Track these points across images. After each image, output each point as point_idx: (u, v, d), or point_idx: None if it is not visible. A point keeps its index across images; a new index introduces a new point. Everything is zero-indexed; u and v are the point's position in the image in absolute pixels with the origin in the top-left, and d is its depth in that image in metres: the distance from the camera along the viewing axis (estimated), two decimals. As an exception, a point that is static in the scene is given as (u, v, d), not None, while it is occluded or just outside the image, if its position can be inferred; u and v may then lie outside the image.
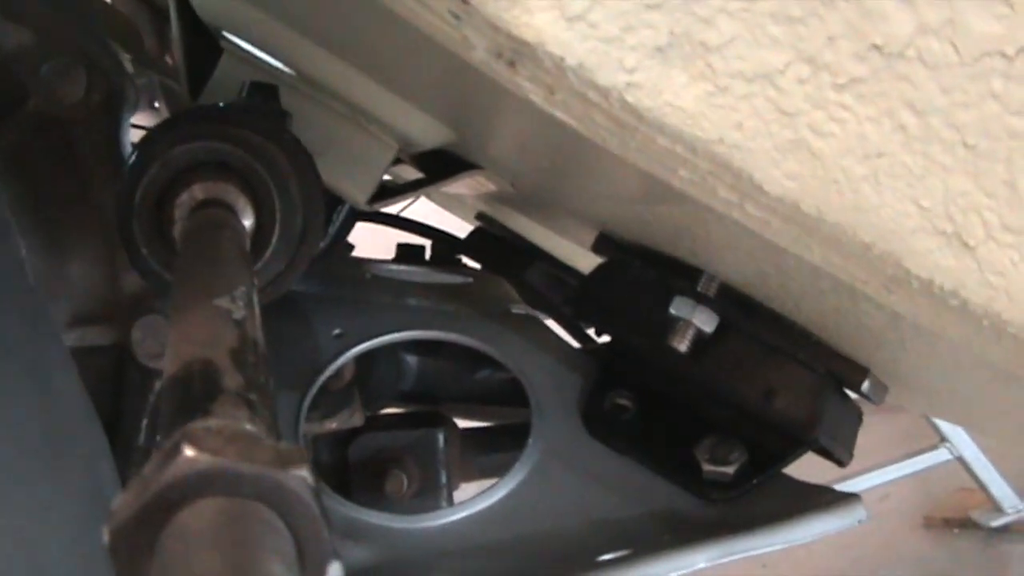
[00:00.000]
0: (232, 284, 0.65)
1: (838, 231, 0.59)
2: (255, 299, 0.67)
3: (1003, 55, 0.56)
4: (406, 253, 1.57)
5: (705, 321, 1.02)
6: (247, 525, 0.40)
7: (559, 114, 0.60)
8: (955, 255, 0.59)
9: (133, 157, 0.92)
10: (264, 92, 1.05)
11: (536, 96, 0.59)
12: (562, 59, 0.55)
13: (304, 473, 0.42)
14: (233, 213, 0.87)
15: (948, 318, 0.62)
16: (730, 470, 1.10)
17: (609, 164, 0.74)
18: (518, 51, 0.56)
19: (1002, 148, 0.57)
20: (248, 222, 0.89)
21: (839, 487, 1.11)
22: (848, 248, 0.60)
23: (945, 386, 1.00)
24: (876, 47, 0.56)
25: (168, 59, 1.80)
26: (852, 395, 1.07)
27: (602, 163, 0.77)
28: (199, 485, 0.41)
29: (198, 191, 0.88)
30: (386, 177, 1.49)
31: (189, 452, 0.42)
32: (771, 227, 0.61)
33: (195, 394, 0.50)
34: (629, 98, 0.56)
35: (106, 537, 0.41)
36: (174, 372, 0.53)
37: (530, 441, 1.15)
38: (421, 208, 1.88)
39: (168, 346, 0.58)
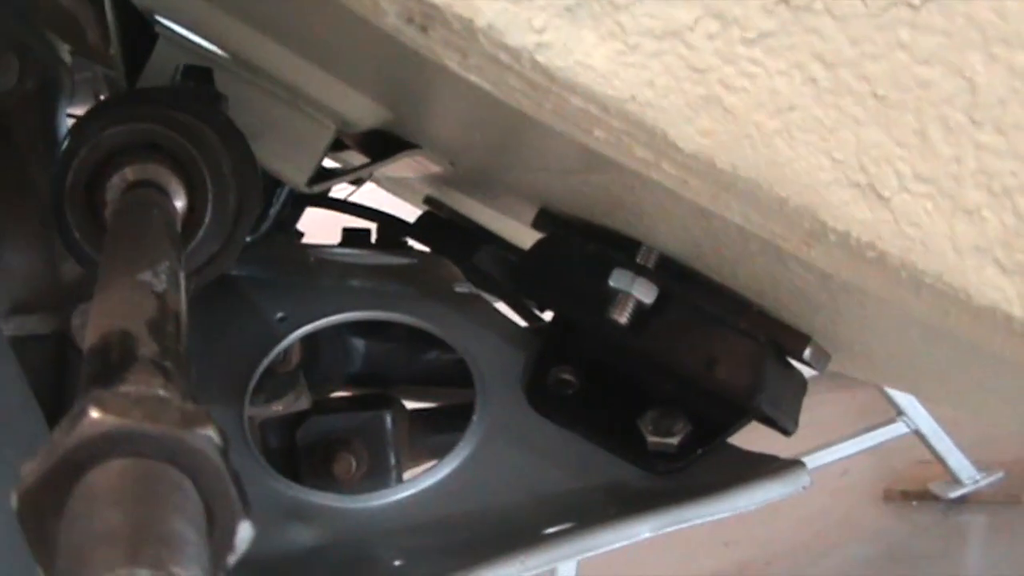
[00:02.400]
0: (155, 259, 0.65)
1: (753, 186, 0.59)
2: (180, 274, 0.66)
3: (909, 5, 0.56)
4: (352, 237, 1.56)
5: (644, 292, 1.03)
6: (152, 484, 0.40)
7: (474, 78, 0.60)
8: (870, 207, 0.59)
9: (65, 142, 0.91)
10: (198, 75, 1.05)
11: (451, 61, 0.59)
12: (471, 20, 0.55)
13: (210, 432, 0.42)
14: (164, 194, 0.87)
15: (867, 271, 0.62)
16: (674, 441, 1.11)
17: (537, 133, 0.74)
18: (428, 15, 0.56)
19: (911, 98, 0.58)
20: (180, 203, 0.89)
21: (798, 462, 1.11)
22: (765, 204, 0.60)
23: (883, 350, 1.01)
24: (784, 0, 0.56)
25: (112, 51, 1.79)
26: (797, 365, 1.08)
27: (531, 132, 0.77)
28: (105, 446, 0.41)
29: (129, 173, 0.88)
30: (334, 164, 1.49)
31: (95, 414, 0.41)
32: (689, 186, 0.61)
33: (111, 363, 0.50)
34: (540, 58, 0.56)
35: (14, 502, 0.41)
36: (92, 344, 0.53)
37: (474, 418, 1.15)
38: (374, 197, 1.88)
39: (89, 321, 0.58)
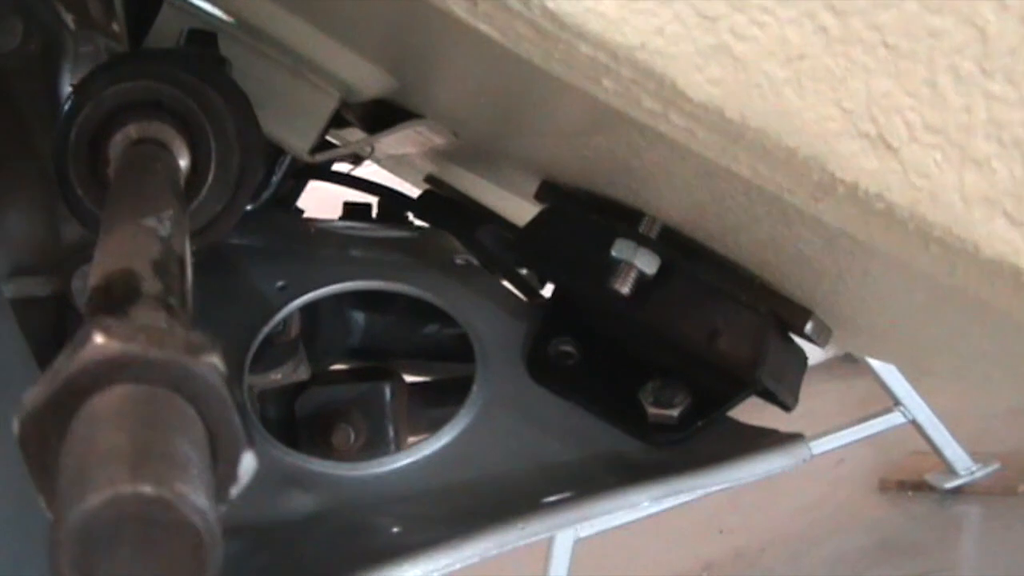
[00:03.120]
0: (160, 208, 0.65)
1: (763, 136, 0.59)
2: (185, 223, 0.66)
3: (922, -47, 0.56)
4: (353, 210, 1.56)
5: (647, 263, 1.02)
6: (156, 409, 0.40)
7: (483, 27, 0.59)
8: (879, 157, 0.59)
9: (69, 99, 0.91)
10: (203, 39, 1.05)
11: (459, 8, 0.59)
12: (481, -35, 0.55)
13: (215, 360, 0.42)
14: (168, 151, 0.87)
15: (875, 224, 0.62)
16: (675, 413, 1.11)
17: (544, 89, 0.74)
18: (438, -40, 0.56)
19: (922, 48, 0.57)
20: (184, 162, 0.89)
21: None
22: (773, 155, 0.60)
23: (885, 321, 1.00)
24: (796, -52, 0.56)
25: (115, 26, 1.79)
26: (797, 340, 1.08)
27: (538, 90, 0.77)
28: (108, 371, 0.41)
29: (132, 131, 0.88)
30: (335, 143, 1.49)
31: (99, 339, 0.41)
32: (697, 137, 0.61)
33: (113, 299, 0.50)
34: (550, 4, 0.56)
35: (15, 427, 0.41)
36: (95, 283, 0.53)
37: (474, 388, 1.15)
38: (375, 177, 1.88)
39: (92, 263, 0.58)
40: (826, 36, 0.57)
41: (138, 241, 0.58)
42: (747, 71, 0.57)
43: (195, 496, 0.36)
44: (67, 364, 0.41)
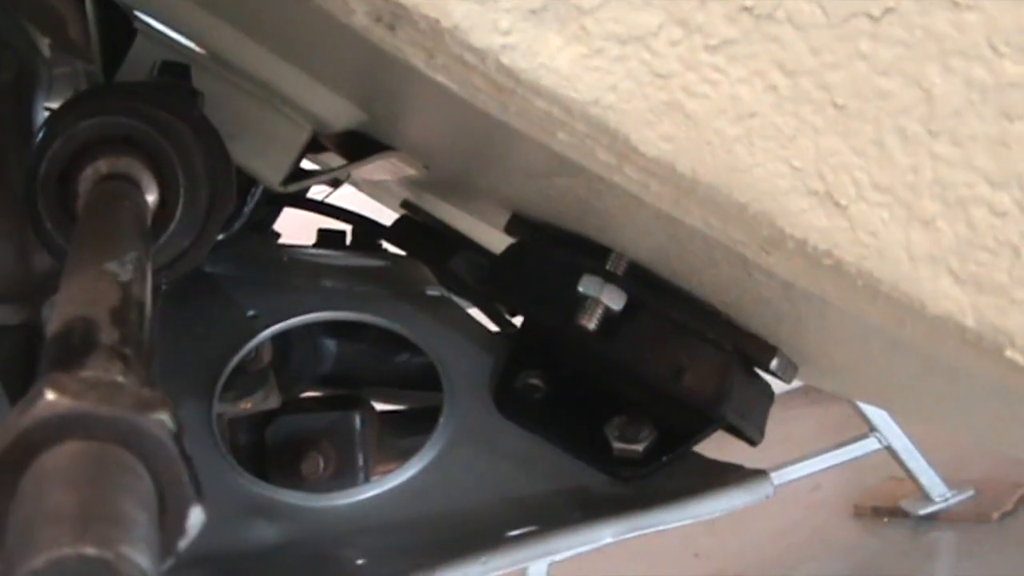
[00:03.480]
0: (123, 250, 0.65)
1: (714, 192, 0.60)
2: (147, 265, 0.67)
3: (869, 16, 0.57)
4: (326, 238, 1.57)
5: (613, 299, 1.03)
6: (103, 466, 0.41)
7: (441, 79, 0.60)
8: (827, 214, 0.60)
9: (40, 132, 0.92)
10: (175, 71, 1.06)
11: (418, 60, 0.60)
12: (437, 21, 0.56)
13: (164, 416, 0.43)
14: (136, 187, 0.87)
15: (825, 279, 0.63)
16: (640, 448, 1.11)
17: (505, 135, 0.75)
18: (396, 14, 0.57)
19: (871, 108, 0.58)
20: (152, 197, 0.89)
21: (769, 477, 1.12)
22: (724, 209, 0.61)
23: (848, 362, 1.01)
24: (746, 8, 0.57)
25: (93, 47, 1.79)
26: (766, 377, 1.09)
27: (498, 134, 0.78)
28: (59, 428, 0.42)
29: (102, 165, 0.88)
30: (313, 166, 1.50)
31: (50, 396, 0.42)
32: (650, 190, 0.62)
33: (71, 349, 0.50)
34: (505, 60, 0.57)
35: (-33, 483, 0.42)
36: (54, 330, 0.53)
37: (441, 420, 1.16)
38: (354, 200, 1.89)
39: (54, 309, 0.59)
40: (776, 95, 0.58)
41: (98, 288, 0.59)
42: (698, 128, 0.58)
43: (139, 557, 0.37)
44: (18, 420, 0.42)
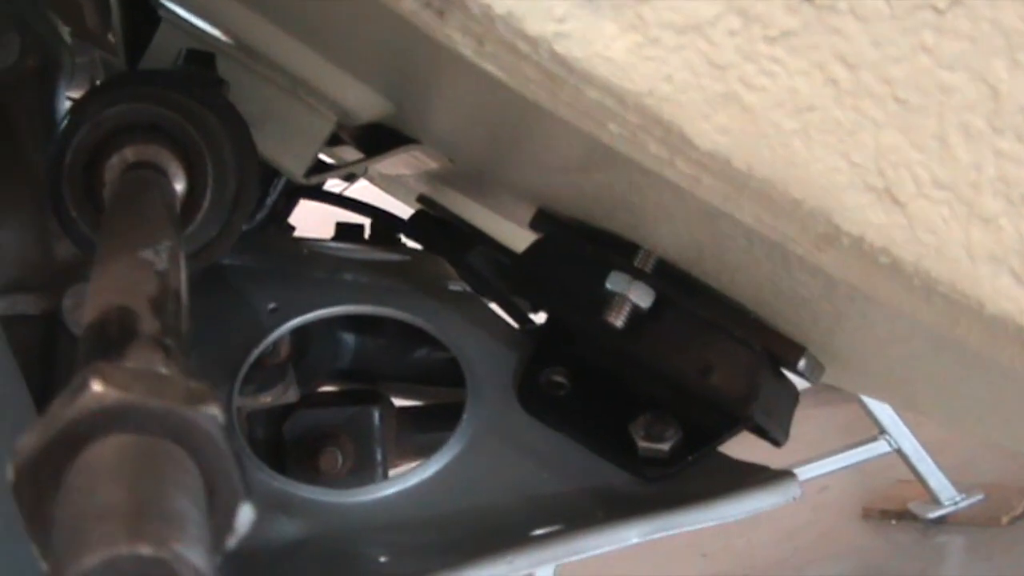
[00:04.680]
0: (156, 238, 0.64)
1: (768, 187, 0.58)
2: (181, 255, 0.66)
3: (934, 8, 0.56)
4: (345, 232, 1.56)
5: (641, 296, 1.02)
6: (153, 461, 0.39)
7: (489, 67, 0.59)
8: (886, 211, 0.58)
9: (65, 119, 0.90)
10: (200, 60, 1.04)
11: (466, 48, 0.58)
12: (490, 7, 0.54)
13: (214, 411, 0.42)
14: (164, 175, 0.86)
15: (879, 278, 0.61)
16: (665, 447, 1.10)
17: (545, 127, 0.74)
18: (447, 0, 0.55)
19: (933, 103, 0.57)
20: (180, 186, 0.88)
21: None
22: (779, 205, 0.59)
23: (881, 362, 1.00)
24: (808, -1, 0.56)
25: (110, 37, 1.78)
26: (789, 375, 1.07)
27: (539, 126, 0.77)
28: (106, 421, 0.40)
29: (129, 154, 0.87)
30: (329, 160, 1.49)
31: (97, 387, 0.41)
32: (702, 184, 0.60)
33: (109, 339, 0.49)
34: (558, 48, 0.55)
35: (10, 474, 0.40)
36: (91, 320, 0.52)
37: (464, 416, 1.14)
38: (368, 195, 1.87)
39: (88, 297, 0.57)
40: (836, 88, 0.57)
41: (134, 276, 0.58)
42: (755, 121, 0.57)
43: (193, 555, 0.35)
44: (63, 411, 0.40)
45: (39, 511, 0.40)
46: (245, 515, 0.42)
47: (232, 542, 0.42)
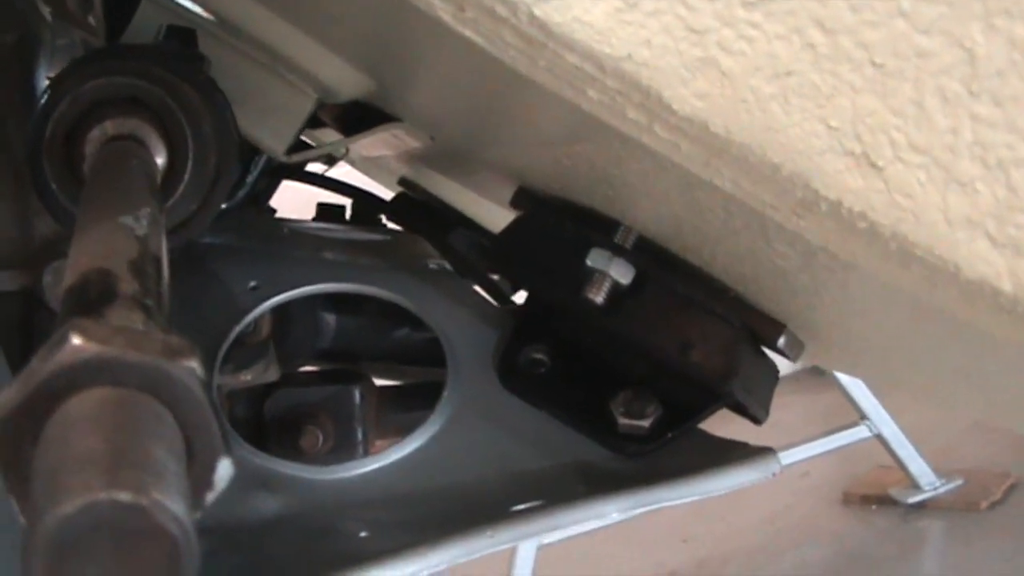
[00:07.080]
0: (136, 205, 0.64)
1: (747, 151, 0.58)
2: (161, 221, 0.66)
3: (911, -28, 0.56)
4: (326, 212, 1.56)
5: (622, 273, 1.02)
6: (132, 413, 0.40)
7: (469, 33, 0.59)
8: (863, 176, 0.58)
9: (45, 93, 0.90)
10: (181, 36, 1.04)
11: (445, 14, 0.58)
12: (470, -30, 0.54)
13: (193, 364, 0.42)
14: (144, 147, 0.86)
15: (857, 243, 0.62)
16: (646, 424, 1.10)
17: (526, 97, 0.74)
18: (427, -36, 0.55)
19: (910, 67, 0.57)
20: (160, 159, 0.88)
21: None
22: (757, 170, 0.59)
23: (860, 336, 1.00)
24: (786, -37, 0.56)
25: (91, 19, 1.78)
26: (769, 353, 1.08)
27: (519, 97, 0.77)
28: (85, 374, 0.40)
29: (109, 127, 0.87)
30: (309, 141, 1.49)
31: (76, 341, 0.41)
32: (680, 150, 0.60)
33: (89, 300, 0.49)
34: (538, 12, 0.55)
35: (-11, 428, 0.40)
36: (71, 283, 0.52)
37: (445, 393, 1.14)
38: (348, 179, 1.87)
39: (68, 262, 0.57)
40: (814, 53, 0.57)
41: (114, 240, 0.57)
42: (734, 86, 0.57)
43: (172, 503, 0.35)
44: (43, 366, 0.40)
45: (17, 463, 0.40)
46: (224, 470, 0.42)
47: (211, 497, 0.43)
